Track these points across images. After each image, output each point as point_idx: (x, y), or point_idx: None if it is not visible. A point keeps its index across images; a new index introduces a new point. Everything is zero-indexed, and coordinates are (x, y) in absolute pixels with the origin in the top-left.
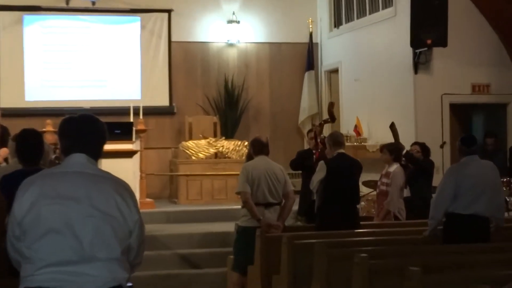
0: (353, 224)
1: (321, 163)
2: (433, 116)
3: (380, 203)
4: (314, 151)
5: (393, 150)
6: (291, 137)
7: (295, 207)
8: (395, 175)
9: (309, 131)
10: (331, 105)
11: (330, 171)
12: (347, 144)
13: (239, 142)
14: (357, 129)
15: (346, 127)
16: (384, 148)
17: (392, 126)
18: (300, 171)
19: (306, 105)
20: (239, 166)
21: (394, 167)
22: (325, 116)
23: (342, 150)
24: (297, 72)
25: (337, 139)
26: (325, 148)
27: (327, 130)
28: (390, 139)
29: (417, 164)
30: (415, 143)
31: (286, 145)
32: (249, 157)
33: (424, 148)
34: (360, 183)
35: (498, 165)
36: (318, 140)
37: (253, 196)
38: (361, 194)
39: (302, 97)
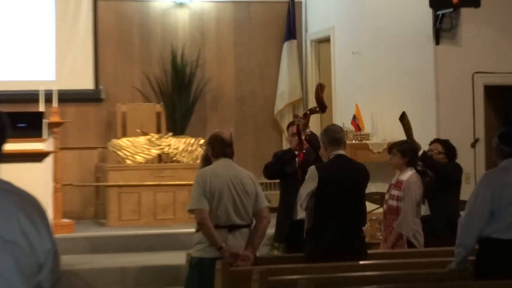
0: (357, 254)
1: (312, 169)
2: (461, 103)
3: (388, 224)
4: (296, 152)
5: (406, 150)
6: (265, 132)
7: (271, 230)
8: (409, 186)
9: (290, 124)
10: (320, 88)
11: (324, 180)
12: None
13: (192, 140)
14: (356, 122)
15: (341, 119)
16: (394, 148)
17: (404, 118)
18: (278, 180)
19: (285, 88)
20: (192, 173)
21: (408, 175)
22: (312, 103)
23: (341, 151)
24: (272, 43)
25: (334, 136)
26: (315, 148)
27: (314, 123)
28: (401, 135)
29: (438, 170)
30: (436, 141)
31: (257, 144)
32: (206, 160)
33: (448, 148)
34: None
35: None
36: (303, 137)
37: (212, 216)
38: None
39: (279, 78)
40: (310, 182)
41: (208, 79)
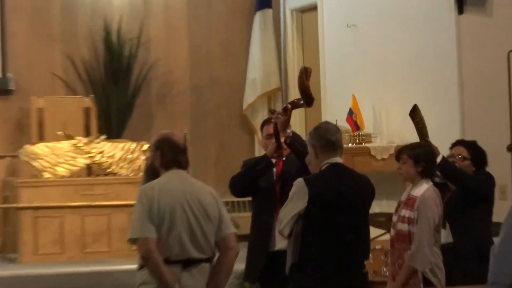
0: None
1: (300, 183)
2: (493, 92)
3: (397, 256)
4: (274, 160)
5: (419, 156)
6: (231, 134)
7: (240, 265)
8: (425, 204)
9: (265, 122)
10: (306, 74)
11: (316, 198)
12: None
13: (133, 146)
14: (353, 118)
15: (332, 115)
16: (404, 153)
17: (415, 113)
18: (249, 198)
19: (258, 74)
20: (133, 189)
21: (423, 189)
22: (294, 94)
23: (338, 159)
24: (239, 13)
25: (329, 138)
26: (298, 154)
27: (297, 121)
28: (413, 136)
29: (463, 181)
30: (460, 143)
31: (221, 150)
32: (152, 172)
33: (475, 152)
34: None
35: None
36: (282, 140)
37: (162, 247)
38: None
39: (249, 60)
40: (297, 201)
41: (153, 63)
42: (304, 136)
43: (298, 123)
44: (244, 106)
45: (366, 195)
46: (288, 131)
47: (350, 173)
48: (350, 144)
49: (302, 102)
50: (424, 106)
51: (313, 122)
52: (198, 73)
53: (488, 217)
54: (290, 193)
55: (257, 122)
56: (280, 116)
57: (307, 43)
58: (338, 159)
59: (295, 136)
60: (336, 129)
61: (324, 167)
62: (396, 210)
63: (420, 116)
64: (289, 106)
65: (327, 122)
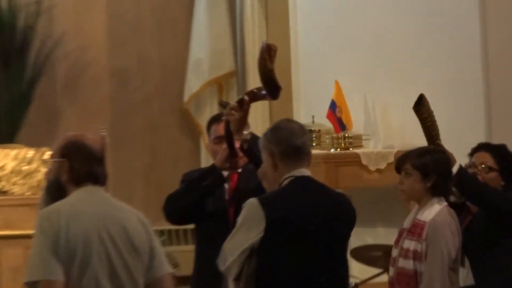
0: None
1: (252, 204)
2: None
3: None
4: (226, 173)
5: (428, 166)
6: (166, 136)
7: None
8: (437, 232)
9: (214, 120)
10: (269, 54)
11: (274, 225)
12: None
13: (30, 153)
14: (336, 115)
15: (307, 109)
16: (408, 161)
17: (422, 106)
18: (193, 226)
19: (205, 53)
20: (31, 213)
21: (434, 211)
22: (255, 81)
23: (304, 171)
24: None
25: (291, 141)
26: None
27: (259, 119)
28: (419, 139)
29: (488, 200)
30: (483, 148)
31: (152, 158)
32: (56, 190)
33: (505, 160)
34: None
35: None
36: (237, 145)
37: None
38: (352, 282)
39: (192, 34)
40: (248, 230)
41: (59, 38)
42: None
43: (261, 121)
44: (186, 97)
45: (344, 220)
46: (245, 132)
47: (321, 190)
48: (332, 150)
49: (264, 92)
50: (434, 97)
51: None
52: (121, 51)
53: None
54: (239, 219)
55: (203, 120)
56: (233, 112)
57: (272, 11)
58: (305, 171)
59: (254, 139)
60: (301, 129)
61: (285, 182)
62: (397, 241)
63: (428, 110)
64: (246, 98)
65: (289, 120)
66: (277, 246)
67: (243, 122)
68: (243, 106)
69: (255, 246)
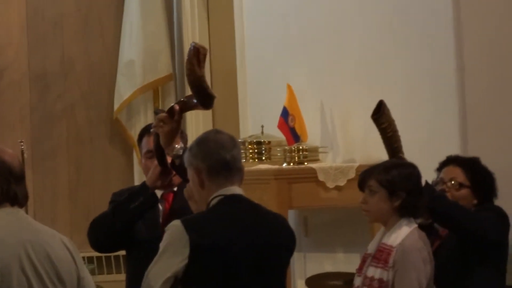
0: None
1: (176, 228)
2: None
3: None
4: (160, 193)
5: (396, 183)
6: (94, 149)
7: None
8: (406, 258)
9: (145, 132)
10: (197, 57)
11: (200, 252)
12: (261, 165)
13: None
14: (288, 124)
15: (255, 118)
16: (372, 177)
17: (381, 114)
18: (124, 252)
19: (137, 54)
20: None
21: (402, 234)
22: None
23: (236, 190)
24: None
25: (220, 156)
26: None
27: (200, 129)
28: (385, 153)
29: (459, 223)
30: (452, 161)
31: (78, 175)
32: None
33: (477, 176)
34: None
35: None
36: (169, 159)
37: None
38: None
39: (123, 33)
40: (171, 256)
41: None
42: None
43: (202, 131)
44: (116, 105)
45: (281, 246)
46: (177, 146)
47: (256, 211)
48: (285, 164)
49: (195, 101)
50: (398, 103)
51: (227, 129)
52: (42, 53)
53: (500, 277)
54: (162, 245)
55: (136, 131)
56: (163, 122)
57: (214, 6)
58: (236, 189)
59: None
60: (232, 142)
61: (214, 201)
62: (360, 268)
63: (389, 119)
64: (176, 107)
65: (217, 131)
66: (203, 275)
67: (173, 134)
68: (173, 117)
69: (179, 274)
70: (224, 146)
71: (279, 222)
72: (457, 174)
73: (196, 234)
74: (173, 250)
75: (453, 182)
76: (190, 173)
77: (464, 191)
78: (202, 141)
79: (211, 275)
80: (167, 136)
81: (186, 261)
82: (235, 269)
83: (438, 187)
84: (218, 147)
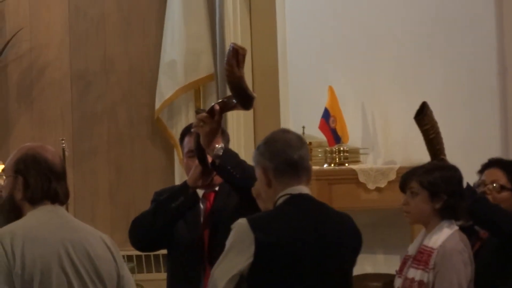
0: None
1: (242, 226)
2: None
3: None
4: (202, 192)
5: (438, 185)
6: (135, 148)
7: None
8: (446, 260)
9: (186, 131)
10: (237, 58)
11: (267, 249)
12: None
13: None
14: (330, 125)
15: (297, 118)
16: (414, 179)
17: (425, 116)
18: (164, 251)
19: (179, 54)
20: None
21: (443, 236)
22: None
23: (303, 189)
24: None
25: (288, 155)
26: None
27: (242, 129)
28: (425, 154)
29: (500, 225)
30: (494, 164)
31: (119, 174)
32: (9, 210)
33: None
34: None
35: None
36: (209, 159)
37: None
38: None
39: (165, 33)
40: (237, 254)
41: (12, 35)
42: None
43: (243, 132)
44: (157, 104)
45: (348, 245)
46: (217, 146)
47: (322, 210)
48: (325, 165)
49: (235, 101)
50: (438, 106)
51: (266, 131)
52: (84, 52)
53: None
54: (227, 243)
55: (177, 130)
56: (203, 122)
57: (256, 8)
58: (303, 189)
59: (227, 154)
60: (299, 141)
61: (280, 200)
62: (401, 270)
63: (432, 121)
64: (216, 107)
65: (285, 131)
66: (268, 274)
67: (214, 134)
68: (214, 116)
69: (244, 272)
70: (291, 146)
71: (346, 222)
72: (499, 176)
73: (261, 233)
74: (238, 249)
75: (494, 185)
76: (258, 172)
77: (506, 194)
78: (270, 140)
79: (276, 274)
80: (208, 136)
81: (251, 259)
82: (300, 267)
83: (480, 190)
84: (285, 147)
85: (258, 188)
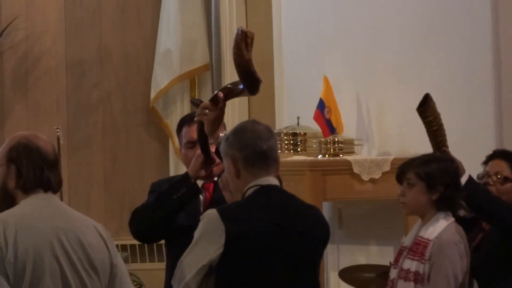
0: None
1: (212, 217)
2: None
3: None
4: (201, 183)
5: (435, 176)
6: (130, 138)
7: None
8: (442, 251)
9: (185, 121)
10: (245, 42)
11: (235, 241)
12: (296, 157)
13: None
14: (324, 115)
15: (292, 109)
16: (410, 170)
17: (427, 107)
18: (163, 242)
19: (174, 43)
20: None
21: (439, 227)
22: (232, 75)
23: (271, 180)
24: None
25: (257, 146)
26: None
27: (238, 118)
28: (422, 144)
29: (502, 217)
30: (498, 155)
31: (114, 163)
32: (3, 198)
33: None
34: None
35: None
36: (212, 149)
37: None
38: None
39: (160, 22)
40: (206, 245)
41: (7, 23)
42: None
43: (238, 121)
44: (152, 94)
45: (317, 236)
46: (221, 134)
47: (290, 201)
48: (320, 156)
49: (241, 87)
50: (439, 98)
51: (261, 121)
52: (79, 40)
53: None
54: (196, 233)
55: (172, 120)
56: (207, 110)
57: None
58: (272, 180)
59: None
60: (269, 132)
61: (249, 191)
62: (396, 261)
63: (434, 112)
64: (221, 94)
65: (254, 122)
66: (238, 264)
67: (218, 122)
68: (217, 104)
69: (213, 263)
70: (261, 136)
71: (314, 213)
72: (503, 168)
73: (232, 223)
74: (208, 239)
75: (498, 176)
76: (226, 163)
77: (509, 185)
78: (239, 131)
79: (246, 264)
80: (212, 124)
81: (221, 250)
82: (270, 258)
83: (483, 181)
84: (255, 137)
85: (226, 179)
